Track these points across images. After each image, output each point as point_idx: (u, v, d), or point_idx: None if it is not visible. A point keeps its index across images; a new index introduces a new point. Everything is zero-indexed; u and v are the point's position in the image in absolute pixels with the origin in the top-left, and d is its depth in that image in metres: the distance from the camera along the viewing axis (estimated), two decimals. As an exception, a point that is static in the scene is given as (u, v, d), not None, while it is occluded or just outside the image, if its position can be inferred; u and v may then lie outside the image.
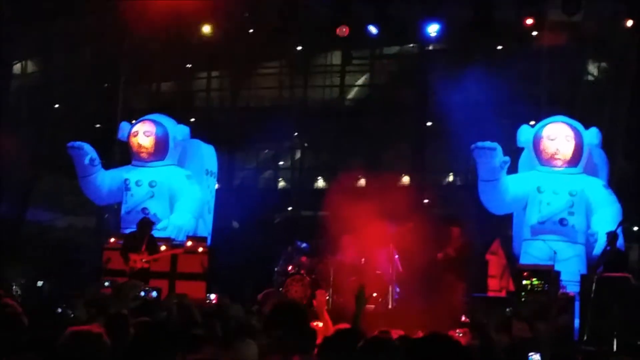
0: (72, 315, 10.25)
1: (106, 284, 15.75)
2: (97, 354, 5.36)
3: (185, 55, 23.51)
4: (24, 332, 6.59)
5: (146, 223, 16.45)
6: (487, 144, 16.56)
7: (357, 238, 19.05)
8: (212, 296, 16.22)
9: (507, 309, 14.15)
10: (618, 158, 19.41)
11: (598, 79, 22.35)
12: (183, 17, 20.77)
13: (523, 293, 14.90)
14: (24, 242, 21.70)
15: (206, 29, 21.42)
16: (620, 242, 16.20)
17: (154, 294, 14.54)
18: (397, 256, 17.24)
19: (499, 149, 16.57)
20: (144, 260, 15.81)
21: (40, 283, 16.02)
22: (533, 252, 17.01)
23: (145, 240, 16.26)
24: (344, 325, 6.20)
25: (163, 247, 16.69)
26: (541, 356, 8.98)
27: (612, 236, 14.22)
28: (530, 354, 9.02)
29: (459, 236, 17.18)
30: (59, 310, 11.10)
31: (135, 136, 19.38)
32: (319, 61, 25.51)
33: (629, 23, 19.63)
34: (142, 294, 14.24)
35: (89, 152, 18.82)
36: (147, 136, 19.31)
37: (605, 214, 16.66)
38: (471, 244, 17.10)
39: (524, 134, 17.59)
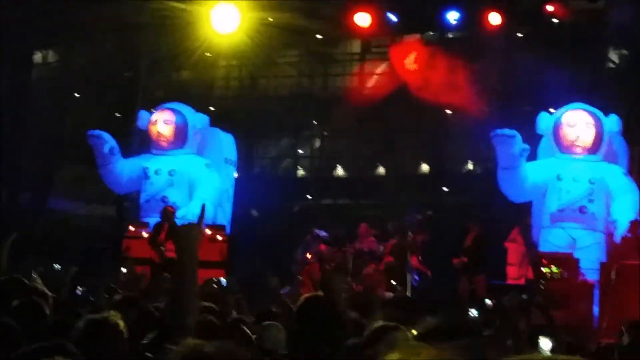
0: (93, 300, 10.34)
1: (124, 270, 15.85)
2: (114, 342, 5.37)
3: (205, 44, 23.51)
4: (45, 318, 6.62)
5: (167, 212, 16.67)
6: (507, 131, 16.50)
7: (375, 226, 19.10)
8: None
9: (524, 296, 14.10)
10: (638, 146, 19.26)
11: (619, 66, 22.18)
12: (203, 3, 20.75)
13: (542, 280, 14.86)
14: (46, 231, 21.79)
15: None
16: (640, 229, 16.13)
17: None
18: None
19: (518, 136, 16.50)
20: (167, 249, 16.03)
21: (58, 266, 16.06)
22: (552, 239, 16.93)
23: (164, 229, 16.43)
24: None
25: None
26: (553, 342, 8.93)
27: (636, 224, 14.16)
28: (540, 337, 8.99)
29: (475, 236, 16.92)
30: (79, 292, 11.20)
31: (154, 124, 19.43)
32: (338, 49, 25.43)
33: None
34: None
35: (109, 140, 18.90)
36: (167, 124, 19.37)
37: (625, 202, 16.56)
38: (485, 244, 16.91)
39: (544, 121, 17.50)
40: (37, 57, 25.19)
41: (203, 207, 5.50)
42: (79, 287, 10.85)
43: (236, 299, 10.15)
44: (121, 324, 5.45)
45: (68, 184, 23.54)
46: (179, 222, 16.93)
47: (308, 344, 5.30)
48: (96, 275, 14.26)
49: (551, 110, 17.92)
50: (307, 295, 5.62)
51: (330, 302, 5.44)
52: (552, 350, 8.54)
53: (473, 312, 12.00)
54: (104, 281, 12.80)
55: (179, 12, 20.42)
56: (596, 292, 14.65)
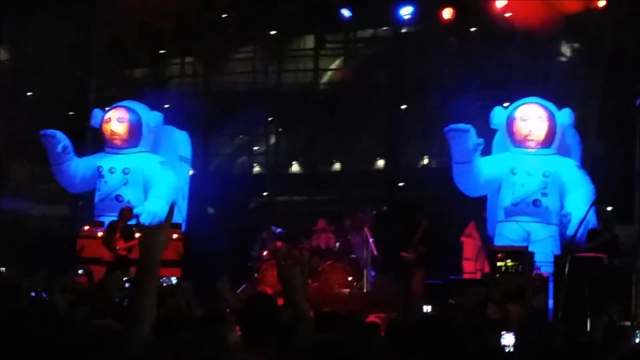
0: (48, 299, 10.23)
1: (80, 271, 15.71)
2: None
3: (158, 41, 23.40)
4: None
5: (124, 212, 16.60)
6: (461, 126, 16.57)
7: (332, 222, 19.10)
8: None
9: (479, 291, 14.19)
10: (591, 139, 19.44)
11: (571, 59, 22.37)
12: (156, 2, 20.63)
13: (497, 275, 14.94)
14: (-2, 231, 21.56)
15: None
16: (593, 222, 16.28)
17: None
18: (372, 240, 17.22)
19: (473, 131, 16.58)
20: (120, 248, 15.98)
21: (2, 269, 15.92)
22: (507, 233, 17.05)
23: (119, 228, 16.36)
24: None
25: (137, 235, 16.69)
26: (515, 336, 9.00)
27: (608, 221, 14.25)
28: (502, 332, 9.05)
29: (425, 228, 16.79)
30: (33, 294, 11.06)
31: (108, 123, 19.28)
32: (292, 45, 25.41)
33: (601, 3, 19.64)
34: (127, 285, 14.20)
35: (62, 139, 18.72)
36: (121, 123, 19.23)
37: (578, 195, 16.69)
38: (432, 238, 16.79)
39: (498, 115, 17.58)
40: (-12, 55, 24.93)
41: (172, 207, 5.40)
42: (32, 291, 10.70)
43: (186, 298, 10.07)
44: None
45: (20, 184, 23.28)
46: (135, 221, 16.88)
47: (253, 343, 5.29)
48: (51, 276, 14.14)
49: (505, 104, 18.02)
50: (252, 294, 5.63)
51: (274, 302, 5.46)
52: (514, 346, 8.59)
53: (427, 309, 12.07)
54: (58, 282, 12.70)
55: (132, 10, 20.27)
56: (551, 285, 14.74)
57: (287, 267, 5.73)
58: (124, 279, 14.36)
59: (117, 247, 16.24)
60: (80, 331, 5.10)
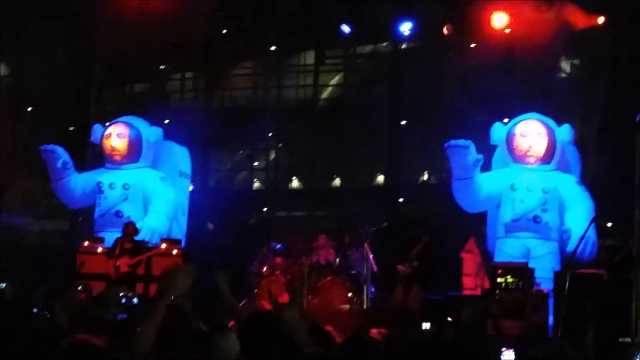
0: (49, 316, 10.20)
1: (79, 287, 15.69)
2: None
3: (158, 57, 23.41)
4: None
5: (129, 227, 16.60)
6: (460, 142, 16.58)
7: (332, 238, 19.09)
8: None
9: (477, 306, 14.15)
10: (591, 155, 19.45)
11: (571, 75, 22.38)
12: (156, 17, 20.65)
13: (497, 291, 14.92)
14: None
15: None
16: (593, 239, 16.28)
17: (135, 300, 14.49)
18: (371, 256, 17.20)
19: (472, 146, 16.59)
20: (121, 264, 16.01)
21: (3, 285, 15.90)
22: (507, 249, 17.04)
23: (119, 244, 16.37)
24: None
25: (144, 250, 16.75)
26: (515, 353, 8.97)
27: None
28: (503, 349, 9.02)
29: (426, 244, 16.74)
30: (35, 310, 11.04)
31: (108, 138, 19.31)
32: (292, 61, 25.44)
33: (601, 20, 19.66)
34: (124, 300, 14.20)
35: (62, 155, 18.75)
36: (120, 138, 19.26)
37: (578, 211, 16.70)
38: (433, 255, 16.77)
39: (497, 131, 17.61)
40: (-12, 70, 24.92)
41: (221, 279, 5.48)
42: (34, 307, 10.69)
43: (185, 312, 10.03)
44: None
45: (20, 199, 23.26)
46: (139, 238, 16.92)
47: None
48: (51, 291, 14.12)
49: (505, 120, 18.04)
50: (254, 311, 5.62)
51: (276, 319, 5.45)
52: None
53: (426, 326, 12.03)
54: (60, 298, 12.66)
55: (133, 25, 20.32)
56: (551, 302, 14.71)
57: (284, 307, 5.72)
58: (120, 294, 14.42)
59: (118, 264, 16.20)
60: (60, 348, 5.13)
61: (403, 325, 13.92)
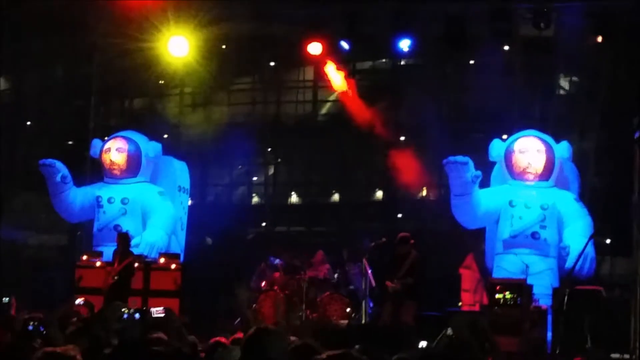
0: (45, 333, 10.17)
1: (78, 301, 15.69)
2: None
3: (157, 72, 23.45)
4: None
5: (121, 237, 16.58)
6: (459, 158, 16.59)
7: (330, 253, 19.09)
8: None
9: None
10: (589, 171, 19.50)
11: (569, 93, 22.46)
12: (155, 32, 20.69)
13: (496, 307, 14.93)
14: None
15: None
16: (592, 255, 16.30)
17: (137, 316, 14.45)
18: (370, 271, 17.20)
19: (471, 163, 16.61)
20: (111, 270, 16.03)
21: (5, 299, 15.89)
22: (506, 265, 17.05)
23: (118, 255, 16.37)
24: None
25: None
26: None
27: None
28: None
29: (414, 260, 16.64)
30: (30, 327, 11.00)
31: (107, 153, 19.34)
32: (291, 77, 25.49)
33: (599, 39, 19.74)
34: (125, 316, 14.15)
35: (61, 169, 18.77)
36: (120, 153, 19.30)
37: (576, 228, 16.73)
38: (421, 271, 16.64)
39: (496, 148, 17.64)
40: (-12, 85, 24.97)
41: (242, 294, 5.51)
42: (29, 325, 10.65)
43: (176, 327, 10.05)
44: (78, 358, 5.39)
45: (19, 213, 23.26)
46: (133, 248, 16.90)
47: None
48: (48, 306, 14.10)
49: (503, 137, 18.09)
50: (256, 327, 5.61)
51: (277, 335, 5.46)
52: None
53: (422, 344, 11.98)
54: (56, 312, 12.65)
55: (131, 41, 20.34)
56: (549, 318, 14.73)
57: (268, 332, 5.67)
58: (122, 309, 14.38)
59: (116, 277, 16.12)
60: None
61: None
